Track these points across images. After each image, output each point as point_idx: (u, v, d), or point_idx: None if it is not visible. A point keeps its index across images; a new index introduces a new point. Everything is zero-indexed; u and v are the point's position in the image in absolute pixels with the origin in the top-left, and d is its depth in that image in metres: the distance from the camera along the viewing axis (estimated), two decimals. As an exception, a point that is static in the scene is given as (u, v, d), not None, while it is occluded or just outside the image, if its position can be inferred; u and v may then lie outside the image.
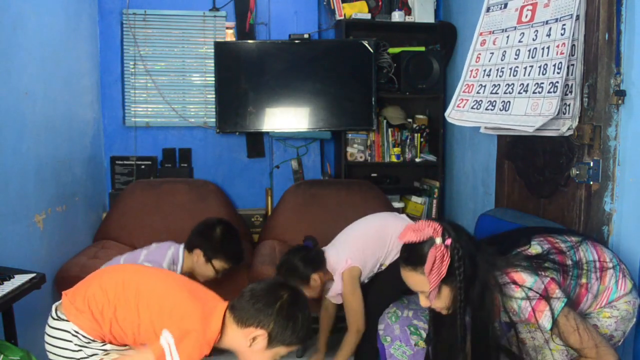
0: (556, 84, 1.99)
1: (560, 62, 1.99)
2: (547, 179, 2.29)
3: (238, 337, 1.54)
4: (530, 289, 1.53)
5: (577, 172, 2.02)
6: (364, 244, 2.45)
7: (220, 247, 2.41)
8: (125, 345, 1.62)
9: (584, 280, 1.64)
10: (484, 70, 2.38)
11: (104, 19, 3.61)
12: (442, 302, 1.58)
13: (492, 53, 2.35)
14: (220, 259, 2.41)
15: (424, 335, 2.34)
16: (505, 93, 2.24)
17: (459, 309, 1.57)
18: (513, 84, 2.22)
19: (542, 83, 2.06)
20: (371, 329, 2.49)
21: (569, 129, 2.03)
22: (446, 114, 2.46)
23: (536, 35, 2.14)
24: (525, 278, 1.54)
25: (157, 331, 1.50)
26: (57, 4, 2.91)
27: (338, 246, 2.51)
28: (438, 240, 1.51)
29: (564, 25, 2.01)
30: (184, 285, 1.64)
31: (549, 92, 2.02)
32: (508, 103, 2.22)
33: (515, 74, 2.22)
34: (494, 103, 2.29)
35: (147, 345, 1.51)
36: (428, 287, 1.54)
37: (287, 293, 1.58)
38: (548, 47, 2.07)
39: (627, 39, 1.87)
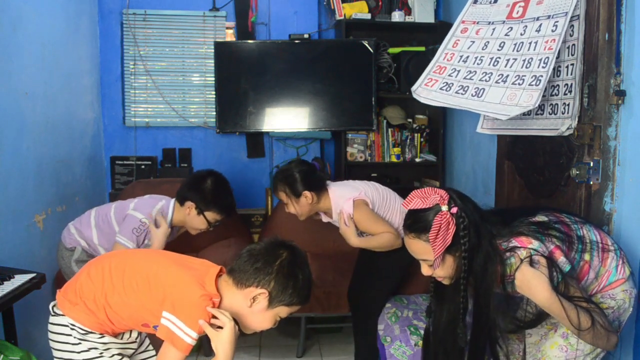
0: (539, 78, 1.99)
1: (547, 57, 2.00)
2: (547, 179, 2.29)
3: (238, 299, 1.51)
4: (536, 250, 1.52)
5: (577, 172, 2.02)
6: (373, 193, 2.44)
7: (212, 199, 2.39)
8: (125, 331, 1.61)
9: (587, 258, 1.64)
10: (461, 56, 2.37)
11: (104, 19, 3.61)
12: (444, 271, 1.56)
13: (473, 42, 2.34)
14: (212, 211, 2.39)
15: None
16: (480, 80, 2.24)
17: (462, 279, 1.55)
18: (491, 72, 2.22)
19: (524, 76, 2.07)
20: (371, 329, 2.49)
21: (568, 128, 2.03)
22: (413, 89, 2.44)
23: (524, 30, 2.15)
24: (531, 240, 1.53)
25: (152, 307, 1.48)
26: (57, 4, 2.91)
27: (347, 184, 2.49)
28: (444, 207, 1.50)
29: (556, 22, 2.01)
30: (170, 258, 1.61)
31: (530, 84, 2.03)
32: (482, 90, 2.22)
33: (495, 63, 2.22)
34: (466, 88, 2.28)
35: (157, 332, 1.49)
36: (431, 254, 1.52)
37: (287, 252, 1.54)
38: (536, 42, 2.08)
39: (627, 39, 1.87)
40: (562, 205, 2.17)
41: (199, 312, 1.46)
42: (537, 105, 1.99)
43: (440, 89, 2.35)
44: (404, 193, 3.77)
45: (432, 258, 1.52)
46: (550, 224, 1.62)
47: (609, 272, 1.66)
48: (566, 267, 1.54)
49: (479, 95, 2.22)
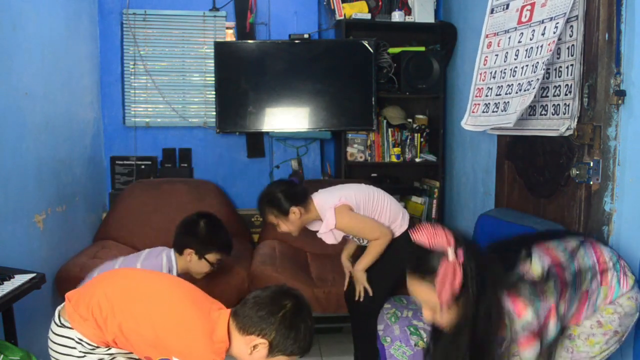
0: (538, 79, 2.01)
1: (548, 60, 2.01)
2: (547, 179, 2.29)
3: (239, 344, 1.54)
4: (528, 322, 1.54)
5: (577, 172, 2.02)
6: (357, 195, 2.44)
7: (209, 241, 2.38)
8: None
9: (583, 288, 1.65)
10: (491, 73, 2.39)
11: (104, 19, 3.61)
12: (447, 317, 1.55)
13: (497, 55, 2.36)
14: (212, 252, 2.39)
15: (424, 335, 2.34)
16: (506, 94, 2.26)
17: (464, 326, 1.54)
18: (512, 84, 2.23)
19: (532, 80, 2.08)
20: (371, 329, 2.49)
21: (567, 129, 2.03)
22: (462, 123, 2.48)
23: (533, 35, 2.15)
24: (526, 308, 1.54)
25: (163, 346, 1.51)
26: (57, 4, 2.91)
27: (330, 190, 2.50)
28: (451, 253, 1.47)
29: (557, 23, 2.02)
30: (188, 294, 1.63)
31: (534, 88, 2.04)
32: (507, 103, 2.24)
33: (514, 74, 2.23)
34: (498, 104, 2.30)
35: None
36: (434, 298, 1.50)
37: (291, 302, 1.57)
38: (541, 46, 2.08)
39: (627, 39, 1.87)
40: (562, 205, 2.17)
41: None
42: (523, 108, 2.02)
43: (483, 111, 2.38)
44: (404, 193, 3.79)
45: (435, 301, 1.51)
46: (546, 277, 1.60)
47: (612, 288, 1.67)
48: (554, 333, 1.56)
49: (505, 109, 2.24)
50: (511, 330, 1.55)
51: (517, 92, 2.18)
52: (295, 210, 2.38)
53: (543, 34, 2.08)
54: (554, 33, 2.02)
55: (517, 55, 2.23)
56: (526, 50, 2.17)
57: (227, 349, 1.53)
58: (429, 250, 1.50)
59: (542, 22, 2.10)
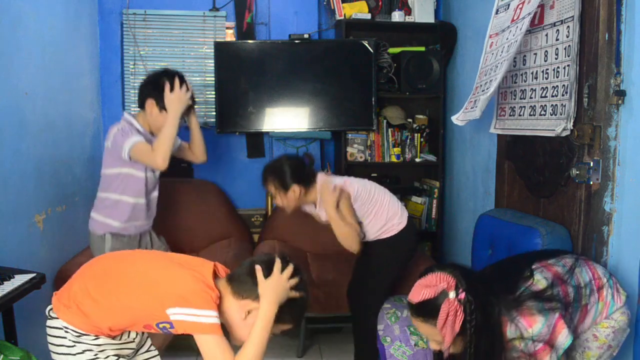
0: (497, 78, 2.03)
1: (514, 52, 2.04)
2: (547, 179, 2.29)
3: (233, 309, 1.53)
4: (538, 333, 1.55)
5: (577, 172, 2.02)
6: (359, 187, 2.47)
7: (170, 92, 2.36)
8: (124, 333, 1.61)
9: (583, 302, 1.69)
10: (484, 71, 2.39)
11: (104, 19, 3.61)
12: (454, 349, 1.58)
13: (493, 54, 2.36)
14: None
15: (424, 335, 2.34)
16: (484, 90, 2.27)
17: (469, 356, 1.55)
18: (492, 79, 2.24)
19: (492, 79, 2.10)
20: (371, 329, 2.50)
21: (563, 129, 2.03)
22: (452, 118, 2.50)
23: (516, 31, 2.16)
24: (536, 320, 1.56)
25: (154, 309, 1.49)
26: (57, 4, 2.91)
27: (338, 177, 2.53)
28: (452, 294, 1.49)
29: (530, 18, 2.04)
30: (168, 258, 1.63)
31: (493, 84, 2.06)
32: (479, 99, 2.26)
33: (495, 70, 2.24)
34: (476, 100, 2.32)
35: (175, 330, 1.49)
36: (438, 336, 1.53)
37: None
38: (517, 41, 2.10)
39: (627, 39, 1.87)
40: (562, 205, 2.17)
41: (204, 294, 1.47)
42: (479, 106, 2.07)
43: (472, 107, 2.40)
44: (404, 193, 3.78)
45: (439, 337, 1.53)
46: (551, 289, 1.62)
47: (608, 304, 1.70)
48: (567, 342, 1.56)
49: (477, 105, 2.25)
50: (525, 345, 1.56)
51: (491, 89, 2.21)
52: (295, 189, 2.39)
53: (521, 29, 2.09)
54: (526, 27, 2.05)
55: (502, 52, 2.24)
56: (507, 46, 2.18)
57: (218, 297, 1.50)
58: (431, 297, 1.52)
59: (523, 18, 2.11)
